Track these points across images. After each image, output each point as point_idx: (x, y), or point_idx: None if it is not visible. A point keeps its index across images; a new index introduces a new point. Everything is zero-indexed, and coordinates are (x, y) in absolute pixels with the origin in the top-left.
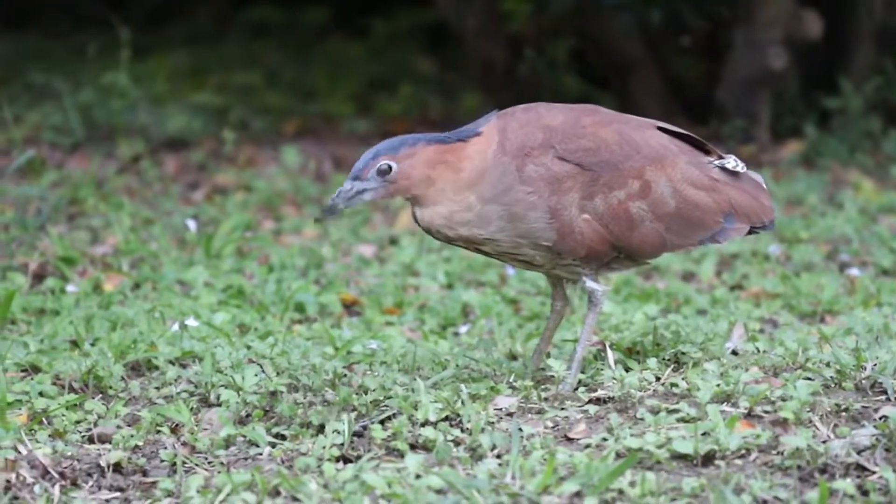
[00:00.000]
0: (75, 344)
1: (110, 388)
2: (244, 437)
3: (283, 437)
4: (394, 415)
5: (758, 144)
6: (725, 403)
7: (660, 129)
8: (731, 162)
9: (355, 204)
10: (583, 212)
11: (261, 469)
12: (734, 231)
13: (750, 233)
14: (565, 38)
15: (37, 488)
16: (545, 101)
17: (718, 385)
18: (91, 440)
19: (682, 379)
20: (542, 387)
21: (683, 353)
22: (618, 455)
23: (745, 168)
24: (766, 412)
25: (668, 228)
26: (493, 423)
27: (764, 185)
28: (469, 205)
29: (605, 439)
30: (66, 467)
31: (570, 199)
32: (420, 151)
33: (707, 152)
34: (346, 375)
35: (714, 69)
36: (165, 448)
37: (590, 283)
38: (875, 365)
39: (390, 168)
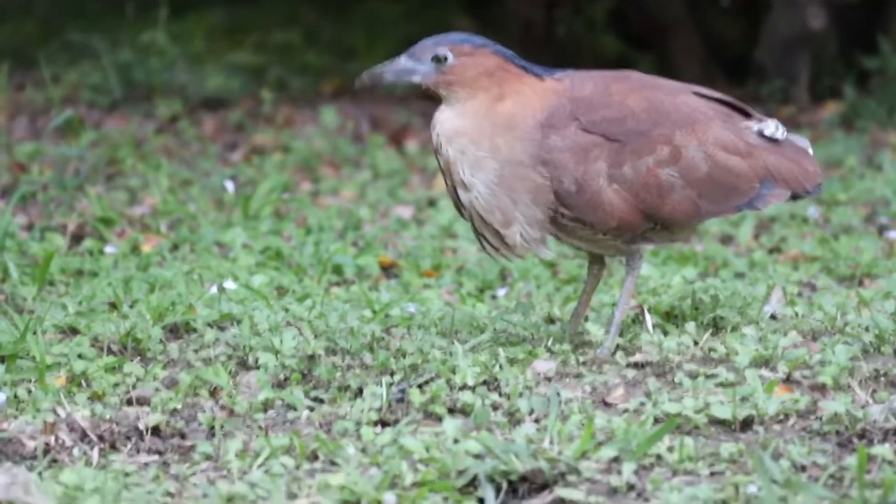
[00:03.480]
0: (114, 306)
1: (148, 350)
2: (282, 400)
3: (322, 401)
4: (432, 378)
5: (796, 105)
6: (764, 368)
7: (697, 94)
8: (771, 127)
9: (402, 80)
10: (612, 181)
11: (299, 433)
12: (773, 196)
13: (795, 198)
14: None
15: (76, 451)
16: (583, 62)
17: (757, 349)
18: (129, 403)
19: (721, 343)
20: (580, 351)
21: (722, 318)
22: (656, 420)
23: (786, 133)
24: (804, 377)
25: (701, 194)
26: (531, 387)
27: (810, 151)
28: (481, 139)
29: (643, 404)
30: (104, 430)
31: (597, 168)
32: (480, 54)
33: (748, 116)
34: (384, 339)
35: (753, 30)
36: (204, 411)
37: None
38: None
39: (446, 58)
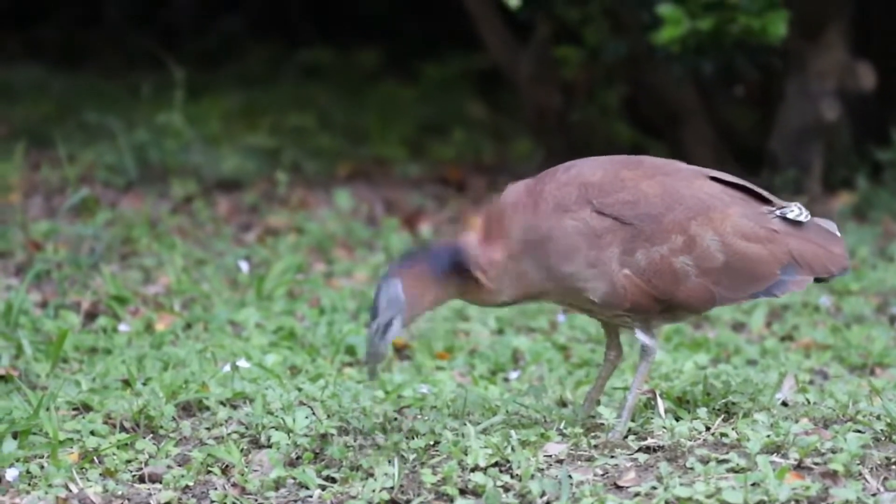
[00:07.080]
0: (127, 383)
1: (161, 427)
2: (294, 479)
3: (334, 480)
4: (444, 459)
5: (809, 196)
6: (775, 454)
7: (714, 178)
8: (795, 210)
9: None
10: (623, 267)
11: None
12: (794, 284)
13: (819, 281)
14: (618, 86)
15: None
16: (596, 148)
17: (768, 436)
18: (142, 480)
19: (732, 429)
20: (592, 434)
21: (734, 403)
22: None
23: (810, 216)
24: (815, 464)
25: (717, 282)
26: (542, 469)
27: (837, 233)
28: (501, 271)
29: (654, 488)
30: None
31: (609, 253)
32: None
33: (767, 202)
34: (396, 419)
35: (766, 119)
36: (216, 489)
37: (641, 336)
38: None
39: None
